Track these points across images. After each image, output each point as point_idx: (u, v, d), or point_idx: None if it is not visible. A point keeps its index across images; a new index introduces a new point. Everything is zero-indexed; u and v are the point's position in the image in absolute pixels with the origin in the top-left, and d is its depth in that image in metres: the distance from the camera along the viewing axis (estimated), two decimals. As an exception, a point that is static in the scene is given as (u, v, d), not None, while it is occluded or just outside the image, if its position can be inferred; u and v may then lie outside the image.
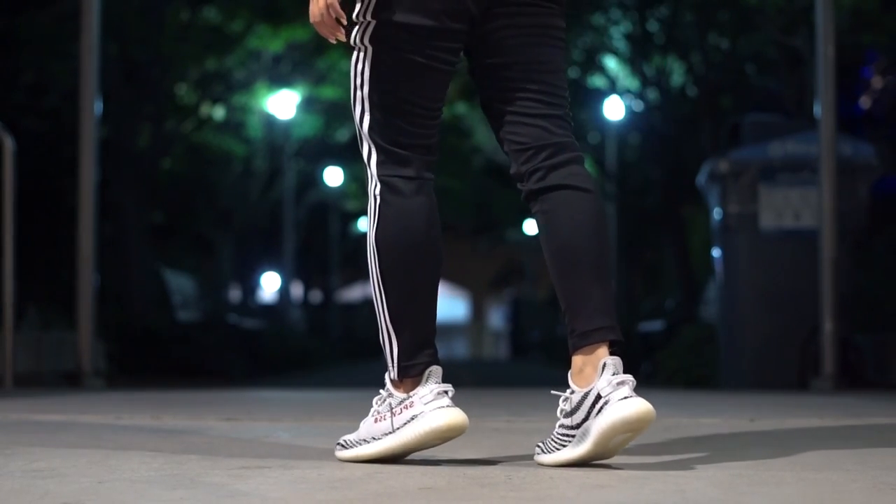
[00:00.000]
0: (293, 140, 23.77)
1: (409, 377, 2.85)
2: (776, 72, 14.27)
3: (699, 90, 16.07)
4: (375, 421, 2.88)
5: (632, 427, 2.66)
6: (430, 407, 2.78)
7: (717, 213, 9.04)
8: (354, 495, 2.33)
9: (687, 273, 16.49)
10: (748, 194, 8.77)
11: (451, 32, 2.84)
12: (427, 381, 2.83)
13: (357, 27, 2.88)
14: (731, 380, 8.81)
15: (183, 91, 17.98)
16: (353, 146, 27.15)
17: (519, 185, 2.89)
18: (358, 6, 2.87)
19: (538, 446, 2.88)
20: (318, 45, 19.11)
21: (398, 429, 2.81)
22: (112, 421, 4.28)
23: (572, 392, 2.76)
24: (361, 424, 2.92)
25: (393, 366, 2.86)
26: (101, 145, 8.32)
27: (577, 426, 2.73)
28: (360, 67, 2.89)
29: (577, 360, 2.77)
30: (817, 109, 8.14)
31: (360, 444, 2.89)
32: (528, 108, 2.87)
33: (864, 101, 17.72)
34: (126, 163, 14.54)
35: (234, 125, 20.88)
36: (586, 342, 2.76)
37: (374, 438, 2.87)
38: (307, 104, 22.34)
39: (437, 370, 2.85)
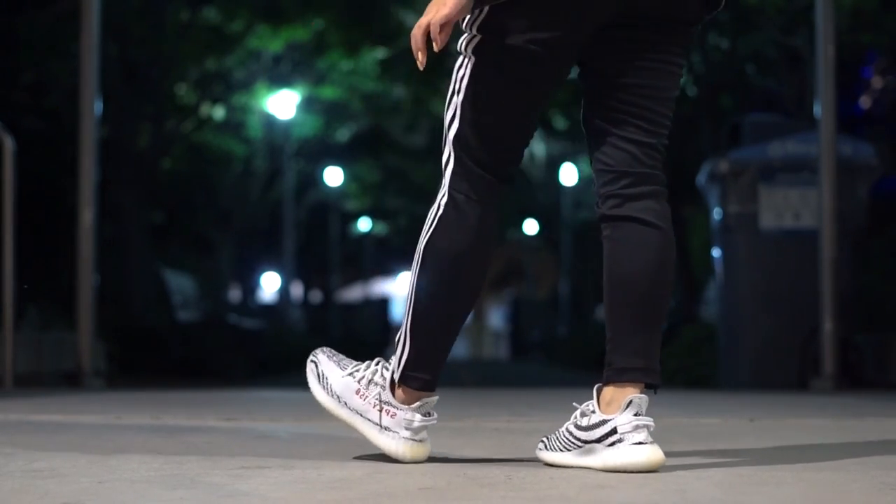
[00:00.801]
0: (293, 140, 23.77)
1: (407, 387, 2.87)
2: (776, 72, 14.25)
3: (699, 90, 16.06)
4: (357, 392, 2.92)
5: (639, 472, 2.68)
6: (404, 434, 2.84)
7: (717, 213, 9.04)
8: (354, 495, 2.33)
9: (687, 273, 16.48)
10: (748, 194, 8.76)
11: (556, 61, 2.79)
12: (418, 408, 2.86)
13: (464, 34, 2.83)
14: (731, 380, 8.81)
15: (183, 91, 17.98)
16: (353, 146, 27.20)
17: (596, 206, 2.87)
18: (468, 16, 2.80)
19: (542, 441, 2.90)
20: (318, 45, 19.12)
21: (376, 425, 2.87)
22: (112, 421, 4.27)
23: (593, 411, 2.77)
24: (346, 375, 2.94)
25: (399, 367, 2.88)
26: (101, 145, 8.31)
27: (586, 442, 2.76)
28: (460, 74, 2.84)
29: (607, 391, 2.77)
30: (817, 109, 8.13)
31: (336, 402, 2.93)
32: (626, 132, 2.82)
33: (864, 101, 17.70)
34: (126, 163, 14.54)
35: (234, 125, 20.88)
36: (620, 379, 2.76)
37: (347, 406, 2.91)
38: (307, 104, 22.35)
39: (430, 402, 2.88)
